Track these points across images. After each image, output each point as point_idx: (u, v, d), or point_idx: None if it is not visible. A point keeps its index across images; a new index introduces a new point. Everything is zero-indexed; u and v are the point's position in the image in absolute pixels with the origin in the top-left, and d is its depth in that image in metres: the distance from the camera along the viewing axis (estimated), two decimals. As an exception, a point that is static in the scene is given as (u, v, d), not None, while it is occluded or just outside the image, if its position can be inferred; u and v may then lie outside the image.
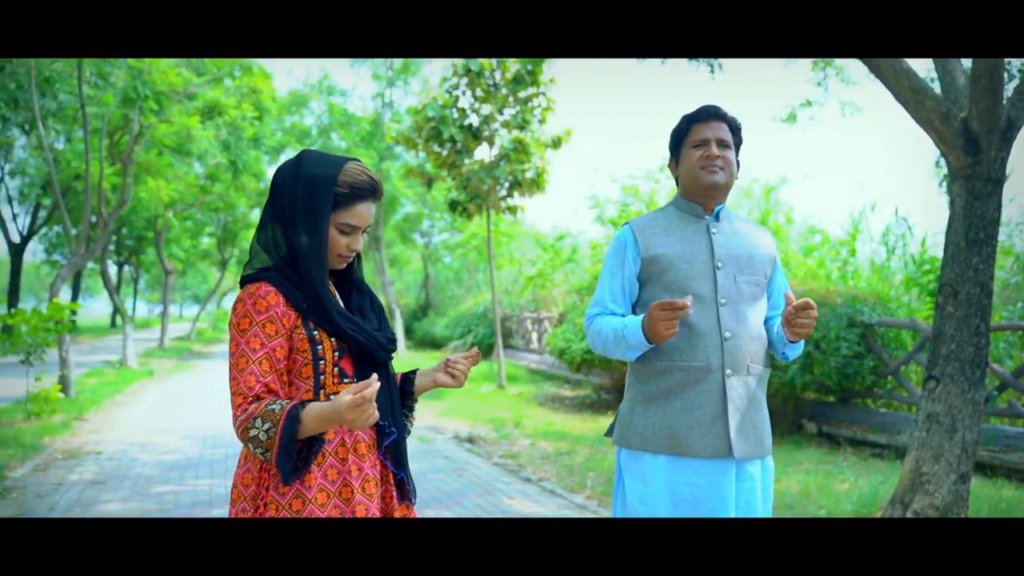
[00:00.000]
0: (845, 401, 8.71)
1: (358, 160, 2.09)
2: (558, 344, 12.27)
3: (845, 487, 6.20)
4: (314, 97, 25.27)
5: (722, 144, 2.57)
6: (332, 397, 1.97)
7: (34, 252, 34.93)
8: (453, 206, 14.41)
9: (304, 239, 2.01)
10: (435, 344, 24.28)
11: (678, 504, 2.44)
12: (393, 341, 2.13)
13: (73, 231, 12.80)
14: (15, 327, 9.24)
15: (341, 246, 2.04)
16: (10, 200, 27.27)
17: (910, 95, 5.27)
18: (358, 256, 2.17)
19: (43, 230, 30.76)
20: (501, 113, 13.95)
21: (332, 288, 2.12)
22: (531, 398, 12.84)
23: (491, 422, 9.97)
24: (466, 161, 14.07)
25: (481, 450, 8.11)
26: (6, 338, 9.27)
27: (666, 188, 14.95)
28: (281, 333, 1.96)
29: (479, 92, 13.81)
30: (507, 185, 13.83)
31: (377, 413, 1.79)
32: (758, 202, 13.09)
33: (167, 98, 12.43)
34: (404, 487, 2.13)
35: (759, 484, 2.52)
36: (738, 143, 2.65)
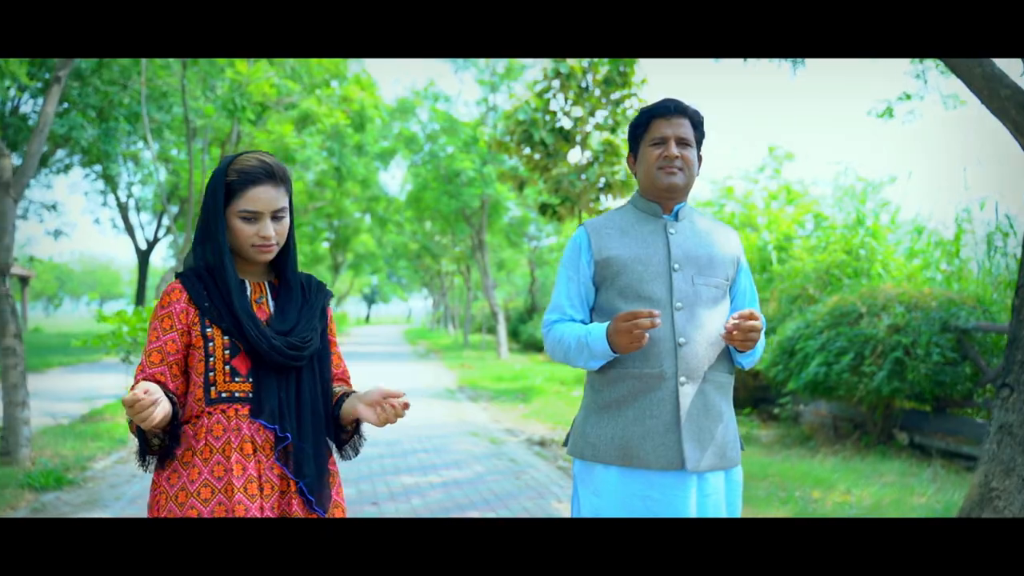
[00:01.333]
0: (941, 410, 8.21)
1: (260, 151, 2.11)
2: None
3: (922, 501, 5.84)
4: (419, 104, 25.67)
5: (682, 143, 2.43)
6: (223, 394, 2.03)
7: (164, 258, 36.87)
8: (543, 209, 14.38)
9: (209, 234, 2.06)
10: (538, 347, 24.32)
11: (631, 517, 2.31)
12: (296, 347, 2.07)
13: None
14: (117, 327, 9.74)
15: (249, 234, 2.04)
16: (138, 208, 28.84)
17: (983, 83, 4.92)
18: (289, 250, 2.16)
19: (169, 237, 32.42)
20: (592, 116, 13.85)
21: (263, 286, 2.15)
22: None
23: (571, 425, 9.88)
24: (558, 164, 14.04)
25: (549, 453, 8.04)
26: (109, 337, 9.78)
27: (761, 189, 14.54)
28: (176, 328, 2.03)
29: (570, 95, 13.75)
30: (598, 188, 13.71)
31: (156, 417, 1.81)
32: (857, 202, 12.50)
33: (266, 108, 12.89)
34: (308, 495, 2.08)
35: (723, 498, 2.38)
36: (700, 139, 2.50)
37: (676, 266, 2.39)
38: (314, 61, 14.74)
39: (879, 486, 6.31)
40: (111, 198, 27.15)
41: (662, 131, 2.42)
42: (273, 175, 2.05)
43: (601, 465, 2.36)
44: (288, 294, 2.16)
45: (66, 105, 16.97)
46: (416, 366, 20.98)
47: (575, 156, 14.08)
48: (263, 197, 2.03)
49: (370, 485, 6.35)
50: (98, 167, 21.66)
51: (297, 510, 2.06)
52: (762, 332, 2.47)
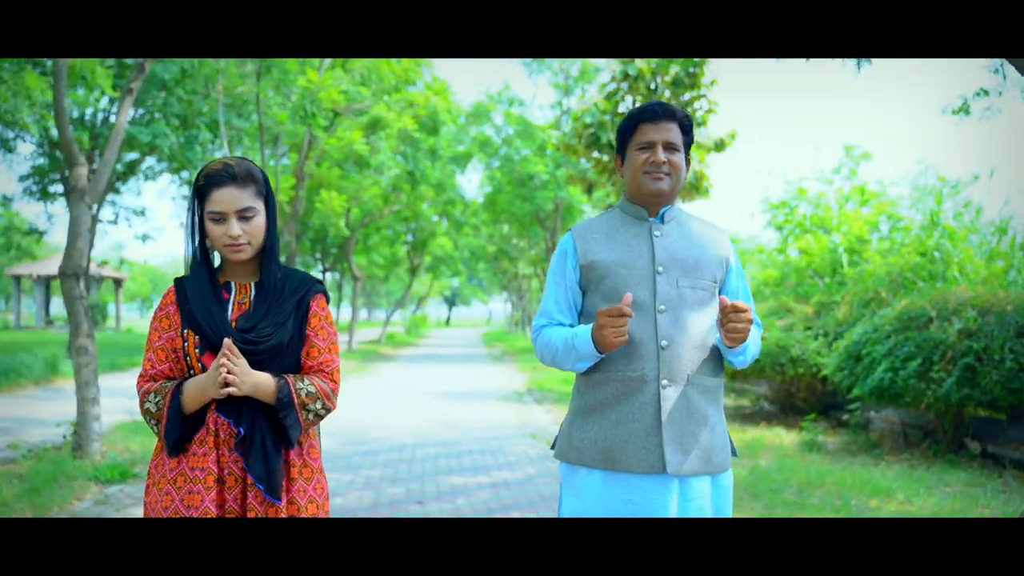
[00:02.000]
0: (1016, 419, 7.88)
1: (230, 156, 2.23)
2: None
3: (986, 512, 5.63)
4: (492, 108, 25.84)
5: (669, 147, 2.41)
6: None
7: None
8: (611, 212, 14.31)
9: (188, 237, 2.22)
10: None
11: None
12: (251, 343, 2.16)
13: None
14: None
15: (219, 235, 2.16)
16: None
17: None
18: (269, 252, 2.25)
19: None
20: (661, 117, 13.73)
21: (248, 287, 2.25)
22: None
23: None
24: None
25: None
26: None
27: (835, 191, 14.19)
28: (173, 328, 2.19)
29: (639, 97, 13.66)
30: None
31: (231, 383, 2.05)
32: (934, 202, 12.09)
33: (338, 114, 13.20)
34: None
35: (709, 503, 2.35)
36: (688, 143, 2.48)
37: (660, 269, 2.37)
38: (384, 66, 15.00)
39: (942, 496, 6.10)
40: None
41: (649, 136, 2.40)
42: (235, 177, 2.16)
43: (585, 469, 2.36)
44: (262, 293, 2.25)
45: (157, 115, 17.72)
46: (488, 368, 21.11)
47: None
48: (225, 198, 2.15)
49: (419, 484, 6.45)
50: (185, 173, 22.45)
51: (252, 502, 2.16)
52: (755, 329, 2.44)
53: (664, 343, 2.30)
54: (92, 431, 6.91)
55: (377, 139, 14.59)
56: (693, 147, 13.15)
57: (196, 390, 2.11)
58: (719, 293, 2.47)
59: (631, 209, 2.47)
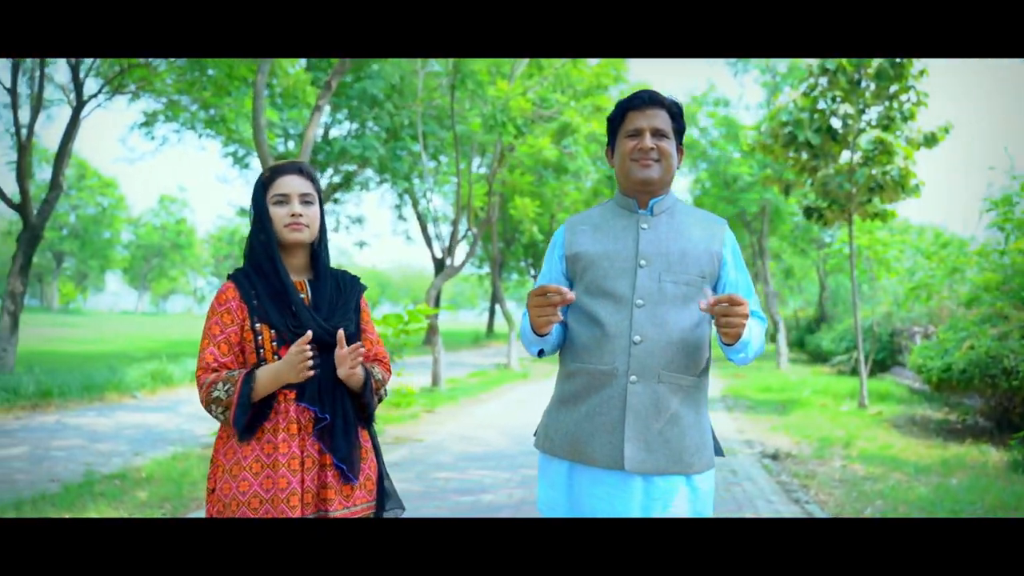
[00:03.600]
0: None
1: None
2: (916, 361, 11.14)
3: None
4: (697, 109, 25.39)
5: (657, 134, 2.34)
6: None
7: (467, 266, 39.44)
8: (808, 213, 13.68)
9: (260, 226, 2.38)
10: (822, 358, 23.09)
11: (578, 513, 2.31)
12: (332, 333, 2.32)
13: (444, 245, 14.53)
14: (384, 329, 10.72)
15: (282, 214, 2.36)
16: (435, 220, 31.18)
17: None
18: (323, 248, 2.44)
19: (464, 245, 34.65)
20: (864, 113, 12.98)
21: (304, 284, 2.41)
22: (889, 419, 11.74)
23: (819, 440, 9.38)
24: (826, 165, 13.30)
25: (778, 468, 7.69)
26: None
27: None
28: (236, 323, 2.33)
29: (839, 92, 12.98)
30: (869, 189, 12.79)
31: (310, 364, 2.20)
32: None
33: (530, 122, 13.54)
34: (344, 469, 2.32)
35: (683, 503, 2.27)
36: (679, 130, 2.40)
37: (643, 262, 2.31)
38: (574, 71, 15.20)
39: None
40: (407, 211, 29.59)
41: (636, 123, 2.36)
42: (299, 169, 2.41)
43: (556, 459, 2.37)
44: (322, 288, 2.42)
45: (369, 128, 18.94)
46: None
47: (845, 156, 13.28)
48: (290, 183, 2.39)
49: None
50: (398, 183, 23.76)
51: (332, 481, 2.31)
52: (757, 324, 2.34)
53: (637, 338, 2.26)
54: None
55: (568, 144, 14.76)
56: (899, 144, 12.43)
57: (270, 377, 2.25)
58: (713, 288, 2.38)
59: (622, 201, 2.43)
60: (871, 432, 10.18)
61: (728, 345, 2.25)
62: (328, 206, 22.96)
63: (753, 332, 2.31)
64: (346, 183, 21.70)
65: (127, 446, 8.08)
